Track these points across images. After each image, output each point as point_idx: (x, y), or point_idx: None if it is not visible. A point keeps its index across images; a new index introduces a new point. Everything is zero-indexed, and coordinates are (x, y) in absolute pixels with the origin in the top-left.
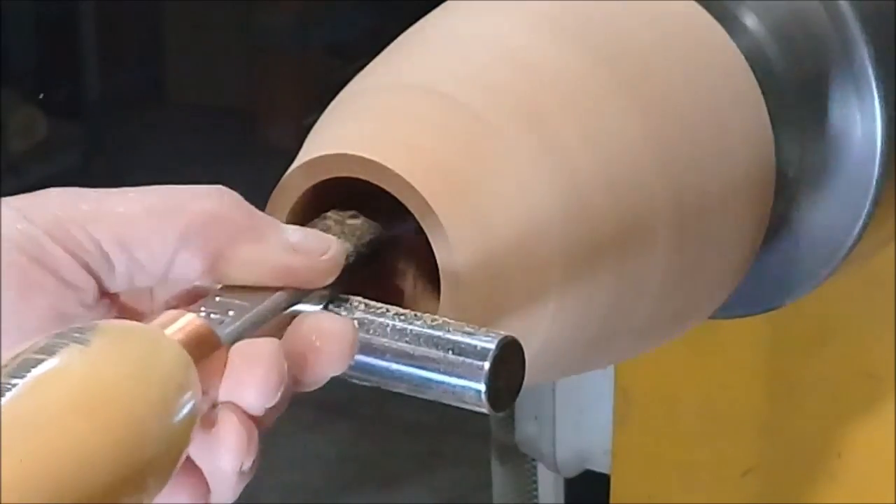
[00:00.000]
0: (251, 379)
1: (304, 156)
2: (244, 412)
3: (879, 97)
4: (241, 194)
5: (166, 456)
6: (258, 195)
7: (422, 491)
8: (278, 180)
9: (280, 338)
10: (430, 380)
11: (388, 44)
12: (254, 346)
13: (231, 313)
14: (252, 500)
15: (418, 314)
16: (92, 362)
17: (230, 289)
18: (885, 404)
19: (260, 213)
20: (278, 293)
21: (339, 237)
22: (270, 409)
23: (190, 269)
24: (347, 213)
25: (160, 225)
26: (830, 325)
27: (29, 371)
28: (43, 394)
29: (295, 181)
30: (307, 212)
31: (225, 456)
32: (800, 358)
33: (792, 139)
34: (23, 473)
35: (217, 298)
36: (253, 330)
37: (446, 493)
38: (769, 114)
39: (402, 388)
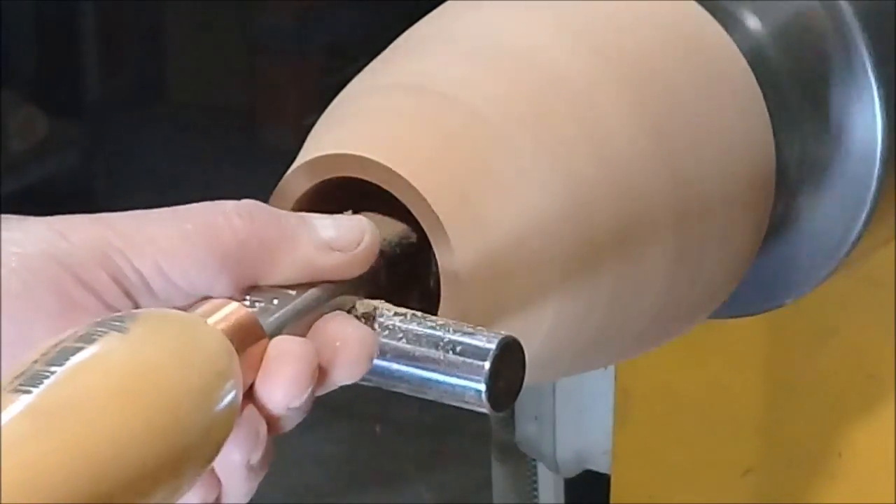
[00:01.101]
0: (281, 377)
1: (304, 156)
2: (258, 406)
3: (879, 97)
4: (241, 194)
5: (205, 443)
6: (258, 195)
7: (422, 491)
8: (278, 180)
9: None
10: (430, 380)
11: (388, 44)
12: (289, 344)
13: (276, 302)
14: (252, 500)
15: (418, 314)
16: (131, 349)
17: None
18: (885, 404)
19: (289, 215)
20: (323, 285)
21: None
22: (292, 410)
23: (226, 291)
24: (368, 213)
25: (199, 253)
26: (830, 325)
27: (68, 359)
28: (82, 380)
29: (295, 181)
30: (307, 212)
31: (233, 447)
32: (800, 358)
33: (792, 139)
34: (63, 459)
35: (261, 288)
36: (296, 320)
37: (446, 493)
38: (769, 114)
39: (402, 388)
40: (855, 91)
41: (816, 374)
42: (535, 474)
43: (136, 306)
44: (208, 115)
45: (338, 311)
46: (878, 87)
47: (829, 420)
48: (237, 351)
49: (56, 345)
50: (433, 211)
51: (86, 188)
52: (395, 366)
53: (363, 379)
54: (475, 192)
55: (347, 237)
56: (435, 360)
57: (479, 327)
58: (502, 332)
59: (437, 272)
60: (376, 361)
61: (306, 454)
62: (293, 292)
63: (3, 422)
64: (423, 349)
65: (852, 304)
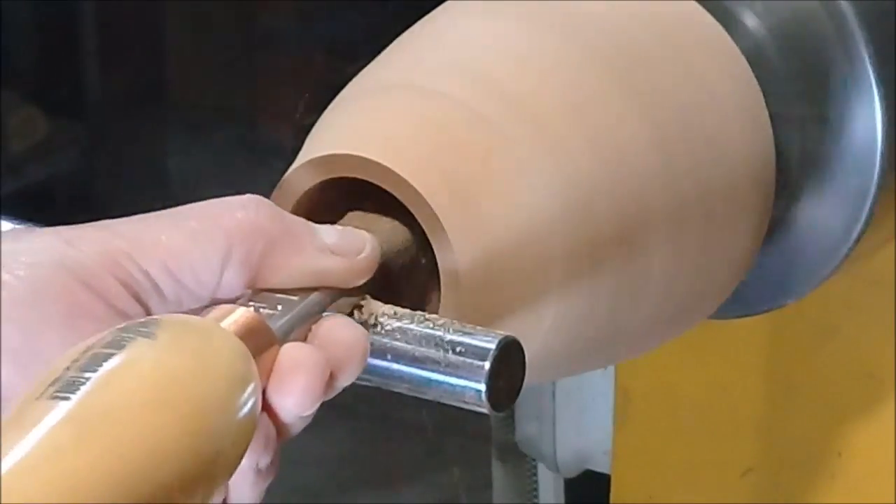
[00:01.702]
0: (294, 387)
1: (304, 156)
2: (268, 412)
3: (879, 97)
4: (241, 194)
5: (233, 448)
6: (258, 195)
7: (422, 491)
8: (278, 180)
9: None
10: (430, 380)
11: (388, 44)
12: (300, 352)
13: (280, 307)
14: None
15: (419, 314)
16: (159, 355)
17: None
18: (885, 404)
19: (293, 217)
20: (324, 290)
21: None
22: (302, 417)
23: (234, 286)
24: (370, 214)
25: (204, 250)
26: (830, 325)
27: (101, 365)
28: (116, 387)
29: (295, 181)
30: (306, 212)
31: None
32: (800, 358)
33: (792, 139)
34: (101, 467)
35: (263, 293)
36: (301, 324)
37: (446, 493)
38: (769, 113)
39: (402, 388)
40: (855, 91)
41: (816, 374)
42: (536, 474)
43: (147, 310)
44: (208, 115)
45: (333, 313)
46: (879, 87)
47: (829, 420)
48: (252, 355)
49: (86, 350)
50: (433, 211)
51: (86, 188)
52: (395, 366)
53: (363, 379)
54: (475, 192)
55: (349, 244)
56: (435, 360)
57: (479, 327)
58: (502, 332)
59: (437, 272)
60: (376, 362)
61: (306, 454)
62: (296, 298)
63: (45, 429)
64: (423, 349)
65: (852, 304)
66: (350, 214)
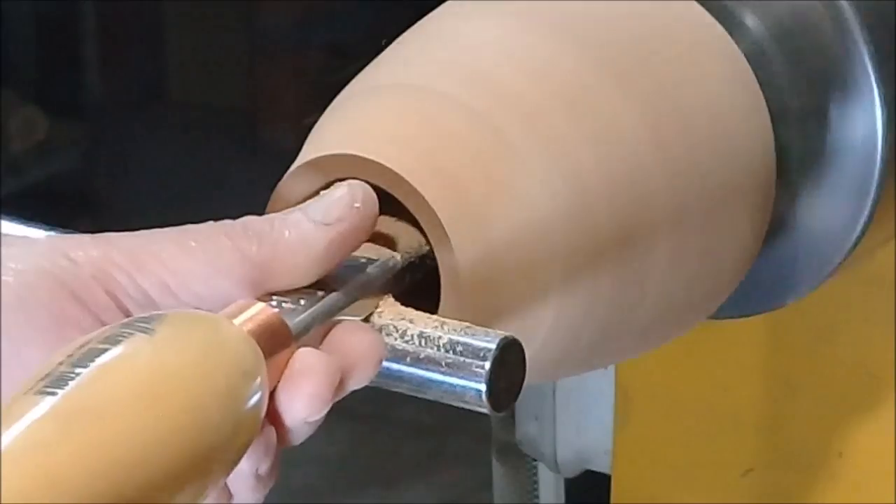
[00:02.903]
0: (304, 391)
1: (304, 156)
2: (272, 416)
3: (880, 97)
4: (242, 194)
5: (230, 445)
6: (258, 195)
7: (422, 491)
8: (278, 180)
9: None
10: (430, 380)
11: (388, 44)
12: (313, 358)
13: (302, 302)
14: None
15: (419, 314)
16: (156, 351)
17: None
18: (886, 404)
19: (283, 222)
20: (345, 288)
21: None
22: (308, 423)
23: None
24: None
25: (204, 270)
26: (830, 325)
27: (93, 360)
28: (106, 382)
29: (295, 181)
30: None
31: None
32: (800, 358)
33: (792, 139)
34: (85, 462)
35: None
36: (322, 321)
37: (446, 493)
38: (769, 114)
39: (402, 388)
40: (855, 90)
41: (816, 374)
42: (536, 474)
43: None
44: (208, 115)
45: (348, 319)
46: (879, 87)
47: (829, 420)
48: (264, 352)
49: (81, 346)
50: (433, 211)
51: (86, 188)
52: (395, 366)
53: None
54: (475, 192)
55: (340, 206)
56: (435, 360)
57: (479, 327)
58: (503, 332)
59: (438, 272)
60: None
61: (306, 454)
62: (321, 292)
63: (29, 423)
64: (423, 349)
65: (852, 304)
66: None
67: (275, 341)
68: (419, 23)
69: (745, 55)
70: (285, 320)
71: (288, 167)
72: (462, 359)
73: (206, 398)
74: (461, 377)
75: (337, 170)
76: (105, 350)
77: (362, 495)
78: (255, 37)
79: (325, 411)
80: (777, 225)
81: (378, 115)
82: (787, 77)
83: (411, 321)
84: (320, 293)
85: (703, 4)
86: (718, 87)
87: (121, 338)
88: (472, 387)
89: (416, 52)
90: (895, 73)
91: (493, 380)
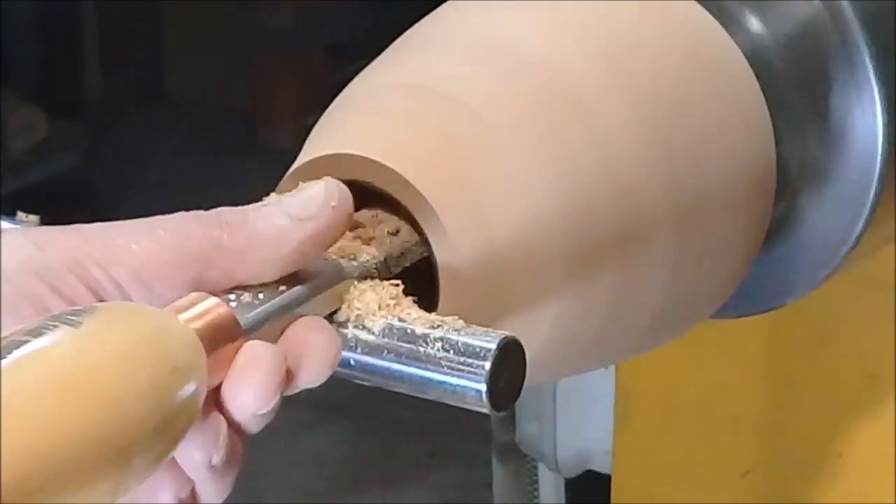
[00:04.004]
0: (249, 384)
1: (304, 156)
2: (222, 408)
3: (880, 97)
4: (242, 194)
5: (156, 438)
6: (258, 195)
7: (422, 491)
8: (278, 180)
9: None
10: (430, 380)
11: (388, 44)
12: (259, 350)
13: (261, 296)
14: (252, 500)
15: (419, 313)
16: (77, 344)
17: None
18: (885, 404)
19: (256, 214)
20: (310, 282)
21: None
22: (257, 416)
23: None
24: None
25: (173, 259)
26: (830, 325)
27: (11, 353)
28: (20, 375)
29: (295, 182)
30: None
31: (193, 447)
32: (800, 358)
33: (793, 139)
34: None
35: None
36: (279, 316)
37: (446, 493)
38: (770, 114)
39: (402, 388)
40: (856, 91)
41: (816, 374)
42: (536, 474)
43: None
44: (208, 115)
45: (309, 316)
46: (879, 88)
47: (829, 420)
48: (208, 347)
49: (6, 338)
50: (433, 210)
51: (86, 188)
52: (395, 366)
53: (363, 379)
54: (474, 192)
55: (316, 203)
56: (435, 360)
57: (479, 327)
58: (503, 332)
59: (437, 271)
60: (376, 361)
61: (306, 454)
62: (283, 287)
63: None
64: (423, 349)
65: (852, 304)
66: (356, 214)
67: (221, 335)
68: (419, 23)
69: (746, 55)
70: (235, 314)
71: (288, 167)
72: (462, 359)
73: (124, 392)
74: (461, 377)
75: (337, 170)
76: (25, 342)
77: (362, 495)
78: (255, 37)
79: (273, 403)
80: (777, 225)
81: (378, 115)
82: (788, 78)
83: (412, 321)
84: (282, 288)
85: (703, 5)
86: (719, 87)
87: (45, 330)
88: (473, 387)
89: (416, 52)
90: (895, 73)
91: (493, 380)
